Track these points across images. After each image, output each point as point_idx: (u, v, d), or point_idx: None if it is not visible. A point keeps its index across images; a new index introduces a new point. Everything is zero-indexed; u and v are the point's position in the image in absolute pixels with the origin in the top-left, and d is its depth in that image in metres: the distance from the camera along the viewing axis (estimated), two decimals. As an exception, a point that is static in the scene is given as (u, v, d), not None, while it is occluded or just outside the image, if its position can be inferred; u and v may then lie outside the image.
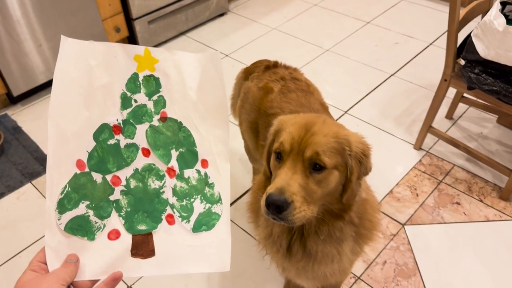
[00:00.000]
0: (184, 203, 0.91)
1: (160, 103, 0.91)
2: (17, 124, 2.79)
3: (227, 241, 0.92)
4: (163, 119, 0.91)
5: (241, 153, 2.29)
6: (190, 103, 0.93)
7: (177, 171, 0.91)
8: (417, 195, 2.23)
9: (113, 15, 3.11)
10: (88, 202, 0.85)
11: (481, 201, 2.19)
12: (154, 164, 0.90)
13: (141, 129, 0.90)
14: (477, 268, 1.92)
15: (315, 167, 1.06)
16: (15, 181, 2.41)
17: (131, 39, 3.38)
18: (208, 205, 0.92)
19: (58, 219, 0.83)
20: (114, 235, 0.86)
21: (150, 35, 3.41)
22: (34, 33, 2.74)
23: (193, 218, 0.91)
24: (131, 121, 0.89)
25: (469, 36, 1.98)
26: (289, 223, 1.04)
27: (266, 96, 1.68)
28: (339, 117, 2.74)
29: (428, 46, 3.36)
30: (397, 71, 3.12)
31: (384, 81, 3.04)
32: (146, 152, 0.90)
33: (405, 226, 2.09)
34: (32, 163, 2.51)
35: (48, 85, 3.00)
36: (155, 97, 0.91)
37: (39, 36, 2.78)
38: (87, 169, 0.86)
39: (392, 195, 2.24)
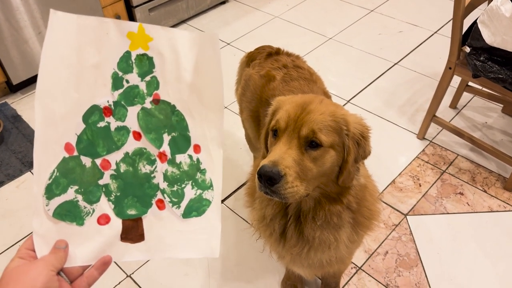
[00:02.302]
0: (175, 188, 0.88)
1: (153, 84, 0.86)
2: (16, 113, 2.77)
3: (217, 228, 0.90)
4: (156, 101, 0.87)
5: (243, 143, 2.27)
6: (185, 86, 0.88)
7: (169, 155, 0.88)
8: (420, 185, 2.21)
9: (113, 2, 3.07)
10: (77, 187, 0.82)
11: (485, 191, 2.16)
12: (145, 148, 0.87)
13: (133, 112, 0.85)
14: (479, 259, 1.90)
15: (311, 144, 1.05)
16: (15, 170, 2.40)
17: (132, 27, 3.34)
18: (199, 191, 0.90)
19: (46, 205, 0.80)
20: (103, 220, 0.84)
21: (151, 23, 3.33)
22: (33, 20, 2.71)
23: (184, 203, 0.88)
24: (123, 103, 0.85)
25: (474, 22, 1.93)
26: (281, 197, 1.03)
27: (268, 84, 1.65)
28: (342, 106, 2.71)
29: (432, 35, 3.31)
30: (401, 59, 3.08)
31: (388, 70, 3.00)
32: (137, 136, 0.86)
33: (407, 217, 2.07)
34: (32, 151, 2.48)
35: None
36: (148, 78, 0.86)
37: (39, 23, 2.75)
38: (76, 153, 0.82)
39: (394, 185, 2.22)
